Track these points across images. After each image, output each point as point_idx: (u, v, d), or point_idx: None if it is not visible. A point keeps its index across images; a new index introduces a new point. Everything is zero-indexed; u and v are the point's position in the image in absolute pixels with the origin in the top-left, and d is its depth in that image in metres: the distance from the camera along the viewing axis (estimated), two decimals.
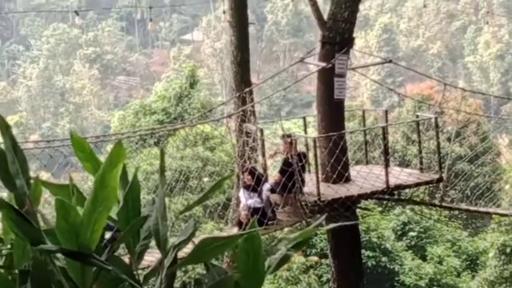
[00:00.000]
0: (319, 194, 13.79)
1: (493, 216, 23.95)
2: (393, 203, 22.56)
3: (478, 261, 27.98)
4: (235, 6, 16.11)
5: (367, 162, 16.91)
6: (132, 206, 3.85)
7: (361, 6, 16.55)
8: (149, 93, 67.39)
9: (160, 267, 3.80)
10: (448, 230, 29.03)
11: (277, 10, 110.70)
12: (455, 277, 25.97)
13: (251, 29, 17.73)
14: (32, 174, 3.76)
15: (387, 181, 14.63)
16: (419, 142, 16.74)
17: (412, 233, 27.61)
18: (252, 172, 13.92)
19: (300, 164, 13.98)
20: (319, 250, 23.63)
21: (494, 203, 20.46)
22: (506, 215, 21.92)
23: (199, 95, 39.86)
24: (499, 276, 24.40)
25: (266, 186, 13.90)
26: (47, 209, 19.04)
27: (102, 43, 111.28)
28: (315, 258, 23.64)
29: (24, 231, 3.54)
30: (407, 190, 16.71)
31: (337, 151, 14.36)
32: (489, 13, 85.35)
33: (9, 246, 3.89)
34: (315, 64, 15.45)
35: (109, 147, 24.96)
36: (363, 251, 20.21)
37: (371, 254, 24.44)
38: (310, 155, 15.10)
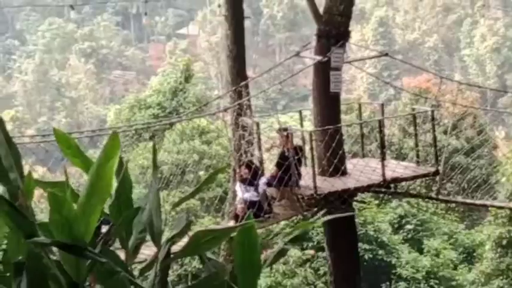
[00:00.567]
0: (315, 187, 13.80)
1: (490, 208, 23.97)
2: (390, 196, 22.55)
3: (474, 254, 28.01)
4: (230, 0, 16.07)
5: (364, 156, 16.91)
6: (124, 199, 3.83)
7: (356, 0, 16.54)
8: (145, 88, 67.26)
9: (156, 260, 3.79)
10: (444, 223, 29.04)
11: (273, 4, 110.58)
12: (452, 270, 25.99)
13: (247, 23, 17.68)
14: (28, 168, 3.74)
15: (384, 174, 14.65)
16: (416, 135, 16.78)
17: (408, 226, 27.60)
18: (249, 166, 13.91)
19: (296, 158, 13.99)
20: (315, 243, 23.62)
21: (490, 196, 20.46)
22: (502, 208, 21.97)
23: (194, 89, 39.79)
24: (496, 268, 24.42)
25: (262, 180, 13.90)
26: (43, 203, 19.03)
27: (98, 37, 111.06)
28: (311, 252, 23.63)
29: (18, 224, 3.52)
30: (403, 183, 16.76)
31: (334, 144, 14.36)
32: (485, 6, 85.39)
33: (5, 242, 3.87)
34: (311, 58, 15.44)
35: (105, 141, 24.87)
36: (359, 244, 20.21)
37: (368, 247, 24.43)
38: (307, 148, 15.09)
